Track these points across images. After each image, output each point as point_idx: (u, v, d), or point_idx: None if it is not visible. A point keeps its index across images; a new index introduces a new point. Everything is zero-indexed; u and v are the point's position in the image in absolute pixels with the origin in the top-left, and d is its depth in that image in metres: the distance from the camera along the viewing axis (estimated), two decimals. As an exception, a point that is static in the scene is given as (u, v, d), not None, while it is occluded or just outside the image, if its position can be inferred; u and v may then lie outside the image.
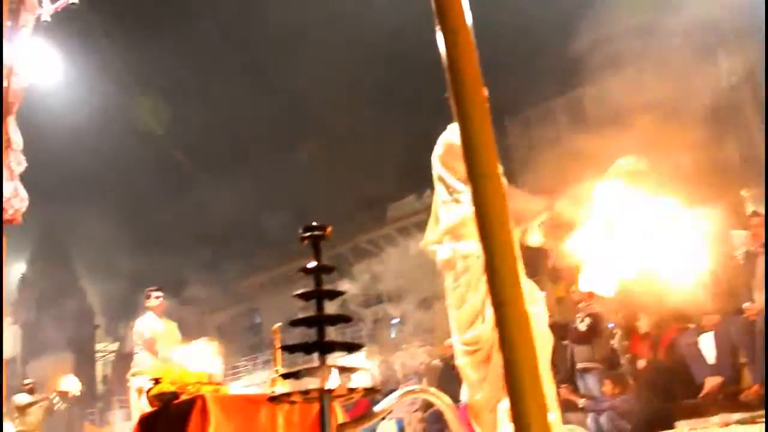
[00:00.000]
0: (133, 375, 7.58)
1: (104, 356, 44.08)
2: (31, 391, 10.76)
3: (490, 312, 3.59)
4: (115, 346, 41.45)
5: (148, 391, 3.84)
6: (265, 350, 29.63)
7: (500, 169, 1.23)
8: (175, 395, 3.54)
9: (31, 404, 10.45)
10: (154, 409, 3.74)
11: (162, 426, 3.53)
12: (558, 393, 7.06)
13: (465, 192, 3.87)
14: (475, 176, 1.22)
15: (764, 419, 2.86)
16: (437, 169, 4.07)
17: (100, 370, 44.20)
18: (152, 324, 7.60)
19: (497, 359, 3.60)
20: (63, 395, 10.43)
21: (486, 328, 3.60)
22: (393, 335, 25.82)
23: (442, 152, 4.01)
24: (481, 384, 3.62)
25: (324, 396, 2.60)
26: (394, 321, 26.52)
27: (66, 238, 42.56)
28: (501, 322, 1.15)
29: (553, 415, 3.50)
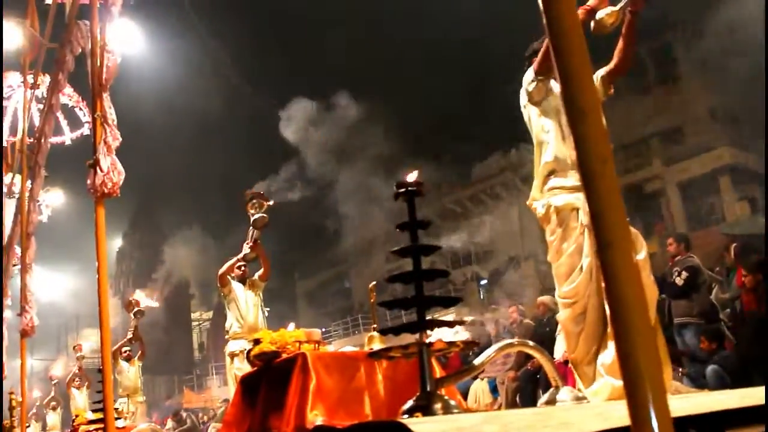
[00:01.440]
0: (227, 340, 7.82)
1: (199, 324, 45.54)
2: (128, 359, 11.26)
3: (585, 263, 3.54)
4: (209, 314, 42.73)
5: (248, 352, 3.94)
6: (355, 314, 30.06)
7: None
8: (276, 354, 3.62)
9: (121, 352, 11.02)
10: (256, 368, 3.84)
11: (264, 384, 3.62)
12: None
13: (552, 131, 3.80)
14: (574, 111, 1.17)
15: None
16: (525, 111, 3.99)
17: (196, 338, 45.73)
18: (236, 286, 7.80)
19: (593, 312, 3.56)
20: (132, 306, 10.89)
21: (582, 281, 3.55)
22: (482, 296, 25.82)
23: (525, 89, 3.93)
24: (579, 337, 3.59)
25: (423, 350, 2.62)
26: (483, 282, 26.49)
27: (159, 211, 43.95)
28: (606, 266, 1.09)
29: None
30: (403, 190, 2.75)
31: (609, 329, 3.36)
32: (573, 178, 3.66)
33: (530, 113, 3.93)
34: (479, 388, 9.27)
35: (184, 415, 19.51)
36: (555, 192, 3.74)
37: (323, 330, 25.71)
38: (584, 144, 1.15)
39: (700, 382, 6.78)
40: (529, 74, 3.86)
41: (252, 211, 7.26)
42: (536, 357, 3.25)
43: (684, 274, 7.48)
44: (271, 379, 3.57)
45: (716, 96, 25.16)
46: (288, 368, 3.38)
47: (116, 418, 6.33)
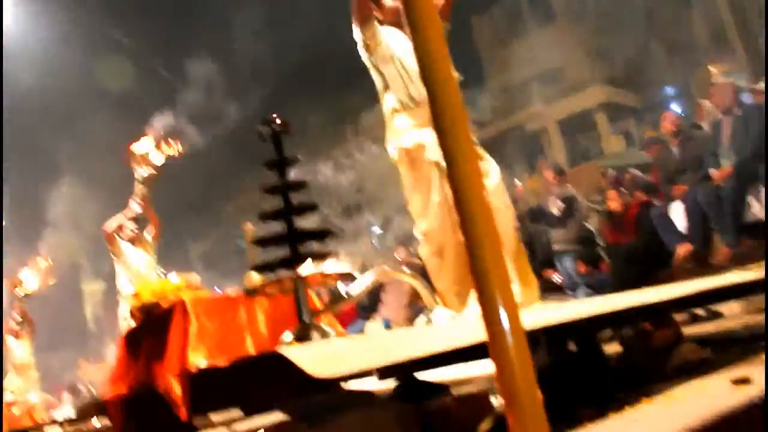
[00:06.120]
0: (120, 302, 7.64)
1: (92, 295, 44.19)
2: (17, 335, 10.90)
3: (435, 200, 3.66)
4: (102, 285, 41.45)
5: (131, 308, 3.89)
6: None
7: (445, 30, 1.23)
8: (156, 305, 3.59)
9: None
10: (138, 323, 3.80)
11: (146, 336, 3.58)
12: (540, 274, 7.24)
13: (392, 76, 3.90)
14: (419, 36, 1.21)
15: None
16: (368, 63, 4.07)
17: (89, 309, 44.35)
18: (126, 247, 7.61)
19: (450, 249, 3.68)
20: (15, 284, 10.58)
21: (435, 217, 3.68)
22: (375, 243, 26.00)
23: (360, 43, 4.00)
24: (441, 271, 3.72)
25: (298, 283, 2.66)
26: (377, 231, 26.64)
27: (43, 183, 41.95)
28: (453, 181, 1.14)
29: (516, 287, 3.59)
30: (266, 127, 2.74)
31: None
32: (418, 115, 3.78)
33: (371, 64, 4.03)
34: (373, 329, 9.39)
35: (81, 387, 19.02)
36: (404, 131, 3.85)
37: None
38: (427, 61, 1.20)
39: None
40: (355, 28, 3.94)
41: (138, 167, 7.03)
42: (411, 282, 3.35)
43: (559, 203, 7.81)
44: (152, 330, 3.54)
45: (591, 36, 26.02)
46: (168, 316, 3.36)
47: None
